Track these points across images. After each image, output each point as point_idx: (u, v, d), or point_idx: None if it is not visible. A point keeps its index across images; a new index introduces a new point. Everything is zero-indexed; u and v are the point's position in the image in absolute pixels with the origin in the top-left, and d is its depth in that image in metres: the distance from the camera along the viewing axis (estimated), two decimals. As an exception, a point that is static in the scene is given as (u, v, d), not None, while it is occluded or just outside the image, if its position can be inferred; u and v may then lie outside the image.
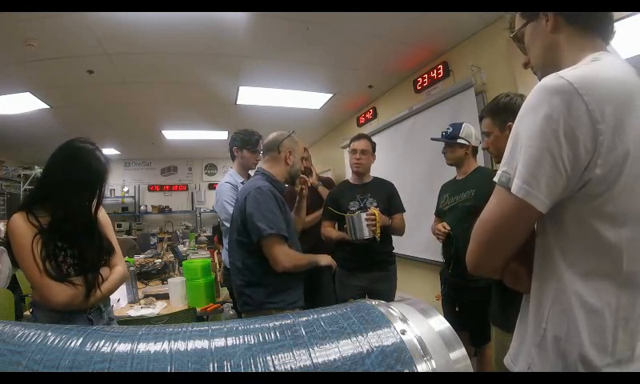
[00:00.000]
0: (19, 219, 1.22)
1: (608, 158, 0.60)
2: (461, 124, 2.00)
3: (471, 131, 1.98)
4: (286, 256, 1.55)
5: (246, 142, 2.34)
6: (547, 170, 0.60)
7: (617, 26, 0.74)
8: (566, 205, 0.64)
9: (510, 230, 0.67)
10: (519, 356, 0.72)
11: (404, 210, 2.35)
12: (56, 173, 1.30)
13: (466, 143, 1.97)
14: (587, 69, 0.65)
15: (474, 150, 2.01)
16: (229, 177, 2.36)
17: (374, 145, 2.39)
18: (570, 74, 0.62)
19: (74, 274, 1.28)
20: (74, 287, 1.24)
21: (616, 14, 0.75)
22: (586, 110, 0.59)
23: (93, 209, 1.37)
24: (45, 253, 1.21)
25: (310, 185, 2.07)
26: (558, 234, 0.66)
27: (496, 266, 0.73)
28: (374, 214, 2.12)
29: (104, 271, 1.38)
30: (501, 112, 1.46)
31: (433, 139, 2.13)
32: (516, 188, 0.62)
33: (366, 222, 2.11)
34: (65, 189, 1.27)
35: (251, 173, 2.22)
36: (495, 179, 0.68)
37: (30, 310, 1.38)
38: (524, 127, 0.64)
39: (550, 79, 0.63)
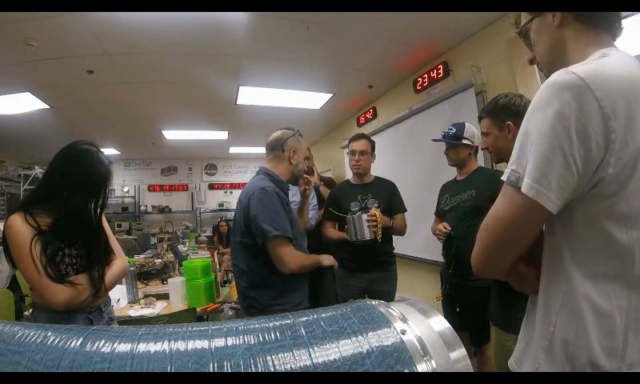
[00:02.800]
0: (17, 220, 1.22)
1: (620, 156, 0.58)
2: (463, 124, 1.99)
3: (474, 131, 1.96)
4: (292, 257, 1.53)
5: None
6: (558, 168, 0.58)
7: (623, 23, 0.73)
8: (576, 205, 0.62)
9: (518, 231, 0.65)
10: (525, 359, 0.70)
11: (405, 210, 2.35)
12: (59, 174, 1.29)
13: (470, 143, 1.96)
14: (597, 64, 0.63)
15: (476, 149, 2.01)
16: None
17: (373, 144, 2.37)
18: (580, 69, 0.60)
19: (73, 274, 1.28)
20: (73, 287, 1.24)
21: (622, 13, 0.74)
22: (597, 106, 0.57)
23: (97, 211, 1.36)
24: (43, 253, 1.21)
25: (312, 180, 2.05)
26: (568, 235, 0.64)
27: (503, 268, 0.71)
28: (375, 215, 2.11)
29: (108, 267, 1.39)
30: (499, 112, 1.46)
31: (435, 140, 2.10)
32: (526, 187, 0.60)
33: (366, 223, 2.10)
34: (68, 191, 1.27)
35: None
36: (503, 178, 0.65)
37: (30, 310, 1.38)
38: (534, 124, 0.61)
39: (560, 75, 0.61)
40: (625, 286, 0.61)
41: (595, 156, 0.58)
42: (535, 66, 0.82)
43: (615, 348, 0.60)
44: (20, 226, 1.21)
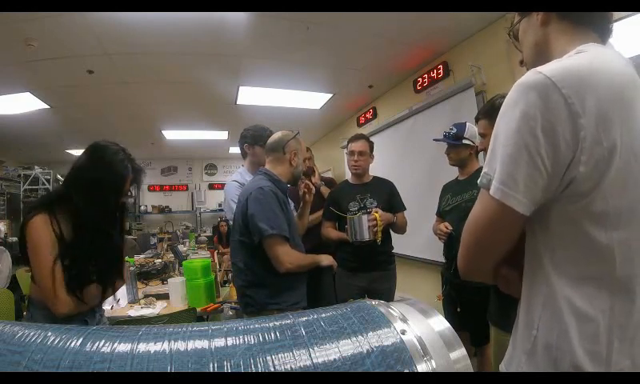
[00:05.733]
0: (40, 222, 1.18)
1: (592, 153, 0.56)
2: (464, 124, 1.98)
3: (475, 131, 1.95)
4: (288, 256, 1.55)
5: (257, 138, 2.15)
6: (525, 168, 0.57)
7: (617, 25, 0.73)
8: (552, 206, 0.61)
9: (495, 234, 0.64)
10: (512, 362, 0.69)
11: (404, 209, 2.35)
12: (76, 173, 1.27)
13: (471, 143, 1.95)
14: (569, 61, 0.62)
15: (477, 150, 2.00)
16: (237, 175, 2.24)
17: (371, 145, 2.37)
18: (548, 68, 0.60)
19: (94, 281, 1.27)
20: (78, 301, 1.22)
21: (615, 14, 0.74)
22: (564, 103, 0.56)
23: (119, 225, 1.35)
24: (61, 262, 1.18)
25: (313, 187, 2.05)
26: (547, 237, 0.63)
27: (485, 271, 0.70)
28: (376, 218, 2.12)
29: (118, 283, 1.39)
30: (496, 113, 1.45)
31: (436, 140, 2.10)
32: (493, 189, 0.60)
33: (367, 224, 2.11)
34: (85, 193, 1.23)
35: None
36: (478, 181, 0.65)
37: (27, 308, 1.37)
38: (502, 126, 0.62)
39: (527, 75, 0.61)
40: (606, 289, 0.59)
41: (564, 154, 0.57)
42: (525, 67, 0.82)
43: (599, 352, 0.59)
44: (43, 230, 1.18)
